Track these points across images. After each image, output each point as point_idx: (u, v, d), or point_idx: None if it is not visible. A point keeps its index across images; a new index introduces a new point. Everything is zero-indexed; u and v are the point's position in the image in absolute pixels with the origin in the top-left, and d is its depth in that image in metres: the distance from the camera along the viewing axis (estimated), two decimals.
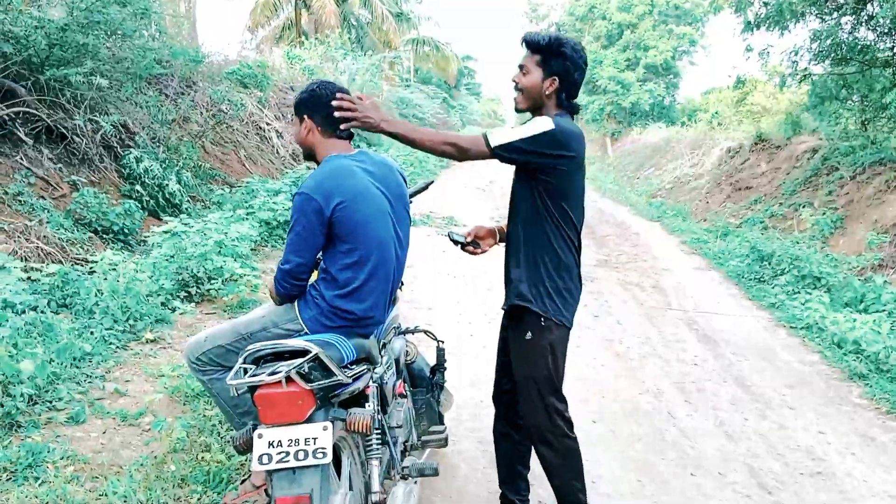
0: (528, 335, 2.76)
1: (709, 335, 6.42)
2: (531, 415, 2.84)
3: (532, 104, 2.80)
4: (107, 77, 7.14)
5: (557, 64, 2.71)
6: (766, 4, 11.62)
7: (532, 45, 2.76)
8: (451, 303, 6.98)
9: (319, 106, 2.74)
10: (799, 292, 7.48)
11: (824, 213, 10.15)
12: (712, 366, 5.64)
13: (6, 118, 6.69)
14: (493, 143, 2.64)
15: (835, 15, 11.21)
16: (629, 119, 30.38)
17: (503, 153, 2.64)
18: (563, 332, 2.80)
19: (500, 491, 3.19)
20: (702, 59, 33.20)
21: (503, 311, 2.98)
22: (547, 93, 2.74)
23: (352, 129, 2.77)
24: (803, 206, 10.81)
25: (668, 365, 5.61)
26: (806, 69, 11.99)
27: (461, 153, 2.68)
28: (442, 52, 35.89)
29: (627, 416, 4.59)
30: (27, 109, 6.92)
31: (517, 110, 2.88)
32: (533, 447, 2.95)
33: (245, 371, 2.19)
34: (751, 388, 5.20)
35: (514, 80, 2.82)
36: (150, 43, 8.41)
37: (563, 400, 2.85)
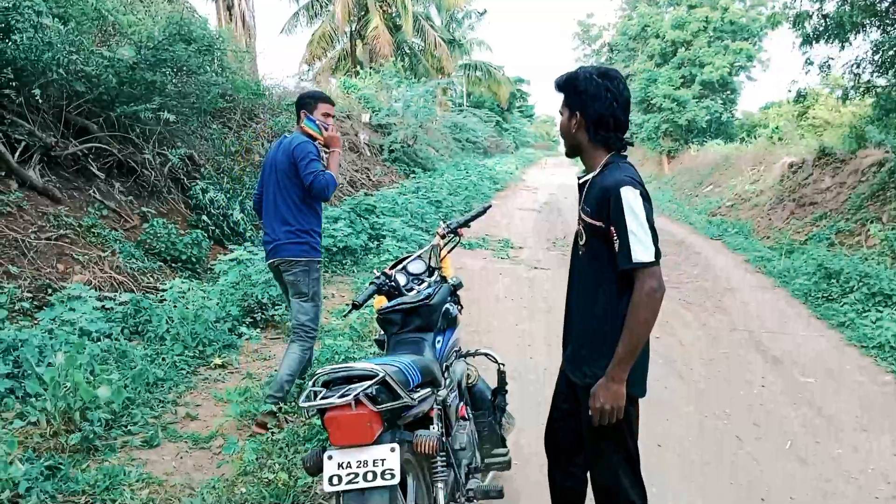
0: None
1: (776, 356, 6.26)
2: (601, 478, 2.66)
3: (569, 146, 2.69)
4: (174, 112, 7.42)
5: (575, 100, 2.58)
6: (825, 17, 11.39)
7: (556, 87, 2.67)
8: (510, 325, 6.98)
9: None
10: (869, 310, 7.22)
11: (893, 228, 9.80)
12: (780, 387, 5.50)
13: (80, 154, 7.02)
14: (650, 258, 2.52)
15: None
16: (685, 136, 29.85)
17: (659, 255, 2.56)
18: (634, 402, 2.58)
19: None
20: (759, 73, 32.45)
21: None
22: (573, 131, 2.60)
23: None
24: (871, 222, 10.46)
25: (733, 387, 5.49)
26: (869, 81, 11.69)
27: (654, 299, 2.55)
28: (494, 76, 36.20)
29: (694, 440, 4.51)
30: (99, 145, 7.25)
31: (567, 155, 2.78)
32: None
33: (315, 395, 2.25)
34: (821, 410, 5.05)
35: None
36: (213, 78, 8.70)
37: (639, 472, 2.64)
